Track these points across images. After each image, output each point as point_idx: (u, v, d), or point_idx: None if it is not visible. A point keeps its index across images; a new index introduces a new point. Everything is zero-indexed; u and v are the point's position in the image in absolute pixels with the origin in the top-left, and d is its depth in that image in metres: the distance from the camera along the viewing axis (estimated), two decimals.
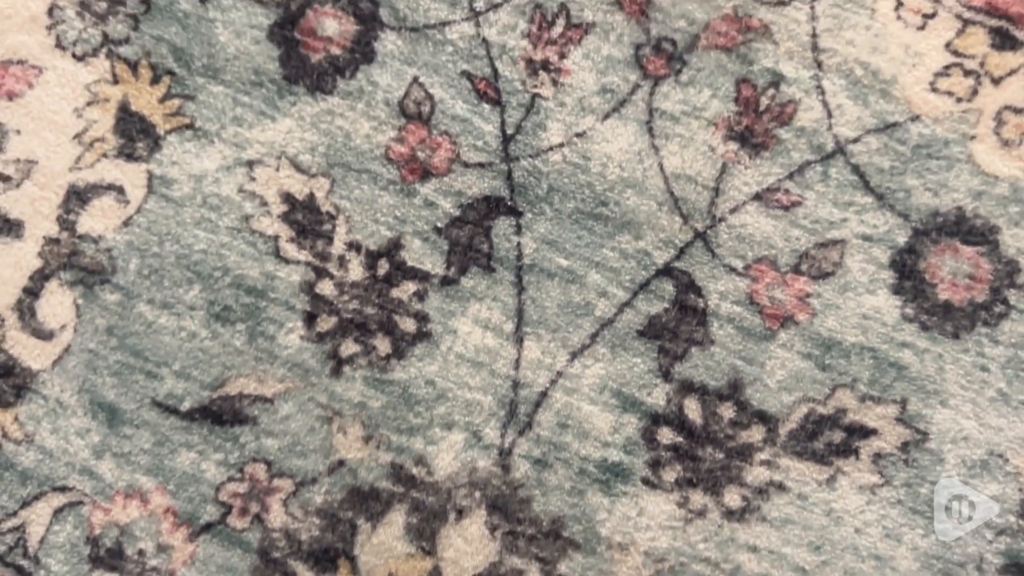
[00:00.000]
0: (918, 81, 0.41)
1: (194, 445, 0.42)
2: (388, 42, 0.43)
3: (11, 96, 0.43)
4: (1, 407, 0.42)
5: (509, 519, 0.41)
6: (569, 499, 0.41)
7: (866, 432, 0.40)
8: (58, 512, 0.42)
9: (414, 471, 0.41)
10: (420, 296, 0.42)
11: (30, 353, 0.42)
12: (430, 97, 0.42)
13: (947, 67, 0.41)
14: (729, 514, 0.40)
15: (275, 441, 0.42)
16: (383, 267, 0.42)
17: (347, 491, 0.41)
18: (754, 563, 0.40)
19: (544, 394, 0.41)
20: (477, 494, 0.41)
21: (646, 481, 0.40)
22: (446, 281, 0.42)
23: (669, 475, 0.40)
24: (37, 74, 0.43)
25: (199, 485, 0.42)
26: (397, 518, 0.41)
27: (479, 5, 0.42)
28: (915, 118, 0.41)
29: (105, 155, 0.43)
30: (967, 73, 0.41)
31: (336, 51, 0.43)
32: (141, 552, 0.41)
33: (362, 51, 0.43)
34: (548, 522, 0.41)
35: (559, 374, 0.41)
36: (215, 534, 0.41)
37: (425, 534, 0.41)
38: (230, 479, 0.42)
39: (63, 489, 0.42)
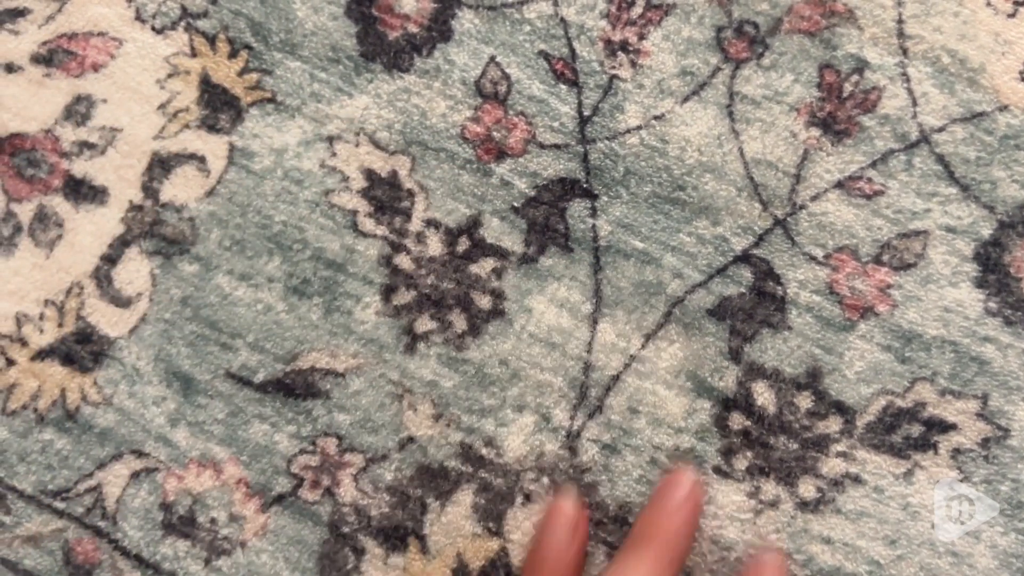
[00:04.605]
0: (1007, 70, 0.40)
1: (267, 417, 0.42)
2: (465, 21, 0.42)
3: (96, 67, 0.44)
4: (80, 372, 0.43)
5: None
6: (637, 487, 0.40)
7: (945, 427, 0.39)
8: (134, 476, 0.42)
9: (483, 452, 0.41)
10: (498, 273, 0.41)
11: (108, 320, 0.43)
12: (507, 77, 0.42)
13: None
14: (803, 505, 0.40)
15: (346, 416, 0.42)
16: (463, 244, 0.42)
17: (416, 468, 0.41)
18: (827, 555, 0.39)
19: (616, 377, 0.41)
20: (545, 479, 0.41)
21: (718, 470, 0.40)
22: (524, 259, 0.41)
23: (740, 463, 0.40)
24: (117, 46, 0.44)
25: (272, 457, 0.42)
26: (465, 498, 0.41)
27: None
28: (1003, 108, 0.40)
29: (188, 126, 0.43)
30: None
31: (413, 29, 0.42)
32: (213, 521, 0.42)
33: (439, 29, 0.42)
34: (615, 507, 0.40)
35: (632, 357, 0.40)
36: (287, 506, 0.42)
37: (492, 515, 0.41)
38: (302, 451, 0.42)
39: (139, 454, 0.42)
